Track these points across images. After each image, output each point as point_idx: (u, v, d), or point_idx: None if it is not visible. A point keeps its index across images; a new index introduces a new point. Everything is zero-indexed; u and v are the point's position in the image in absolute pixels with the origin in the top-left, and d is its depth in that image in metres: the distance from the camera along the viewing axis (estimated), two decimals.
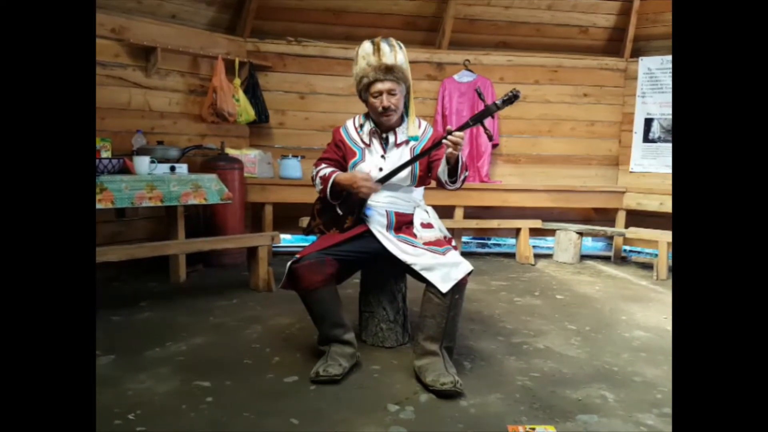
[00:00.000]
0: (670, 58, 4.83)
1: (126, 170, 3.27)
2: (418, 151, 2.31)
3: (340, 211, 2.32)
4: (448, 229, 2.39)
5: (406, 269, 2.24)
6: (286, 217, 4.36)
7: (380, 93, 2.22)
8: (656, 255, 4.22)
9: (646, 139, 5.00)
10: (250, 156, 4.33)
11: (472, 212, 4.84)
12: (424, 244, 2.19)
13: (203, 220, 4.12)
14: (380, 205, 2.31)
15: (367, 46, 2.26)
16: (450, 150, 2.02)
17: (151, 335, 2.58)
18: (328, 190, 2.28)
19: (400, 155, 2.31)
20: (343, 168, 2.37)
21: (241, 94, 4.34)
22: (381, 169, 2.28)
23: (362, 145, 2.35)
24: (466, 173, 2.20)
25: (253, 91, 4.48)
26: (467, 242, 5.42)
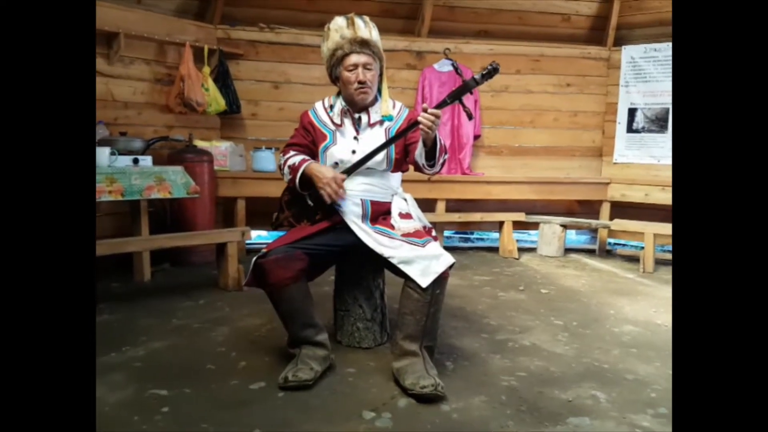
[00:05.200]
0: (653, 46, 4.74)
1: None
2: (393, 132, 2.15)
3: (310, 202, 2.14)
4: (430, 223, 2.23)
5: (383, 263, 2.06)
6: (260, 213, 4.14)
7: (356, 66, 2.07)
8: (642, 247, 4.12)
9: (630, 129, 4.90)
10: (220, 148, 4.11)
11: (454, 205, 4.69)
12: (402, 235, 2.02)
13: (170, 215, 3.89)
14: (355, 193, 2.13)
15: (340, 20, 2.11)
16: (425, 130, 1.86)
17: (107, 339, 2.37)
18: (298, 179, 2.09)
19: (374, 136, 2.14)
20: (313, 154, 2.19)
21: (210, 83, 4.12)
22: (354, 152, 2.11)
23: (333, 127, 2.17)
24: (446, 156, 2.04)
25: (223, 80, 4.26)
26: (450, 236, 5.28)
